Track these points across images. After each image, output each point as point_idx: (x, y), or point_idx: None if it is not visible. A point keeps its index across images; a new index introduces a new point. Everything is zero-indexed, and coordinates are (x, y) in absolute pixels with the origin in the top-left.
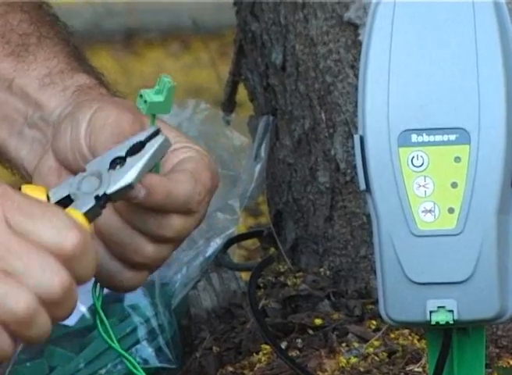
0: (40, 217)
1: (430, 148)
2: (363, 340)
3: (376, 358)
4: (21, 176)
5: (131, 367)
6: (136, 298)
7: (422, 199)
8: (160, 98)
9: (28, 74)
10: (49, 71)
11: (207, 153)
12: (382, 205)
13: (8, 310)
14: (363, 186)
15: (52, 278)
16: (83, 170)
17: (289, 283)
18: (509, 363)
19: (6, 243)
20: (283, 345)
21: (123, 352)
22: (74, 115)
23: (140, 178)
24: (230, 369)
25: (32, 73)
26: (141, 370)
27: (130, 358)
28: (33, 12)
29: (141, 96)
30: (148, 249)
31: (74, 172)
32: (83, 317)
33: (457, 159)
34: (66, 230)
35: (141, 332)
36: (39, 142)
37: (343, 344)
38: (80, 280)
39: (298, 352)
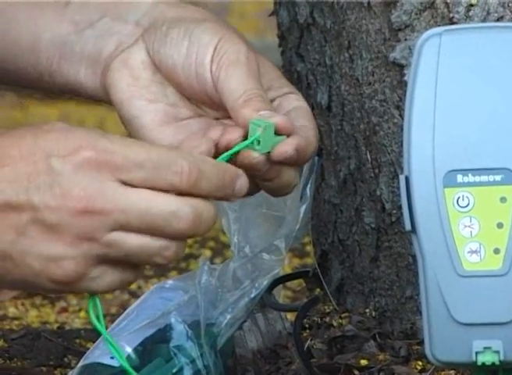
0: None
1: (475, 188)
2: None
3: None
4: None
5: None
6: (182, 338)
7: (468, 240)
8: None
9: None
10: None
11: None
12: (427, 246)
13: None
14: (408, 226)
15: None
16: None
17: (334, 323)
18: None
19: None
20: None
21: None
22: (193, 31)
23: None
24: None
25: None
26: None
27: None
28: None
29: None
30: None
31: (177, 88)
32: (128, 357)
33: (503, 200)
34: None
35: (187, 373)
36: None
37: None
38: None
39: None
